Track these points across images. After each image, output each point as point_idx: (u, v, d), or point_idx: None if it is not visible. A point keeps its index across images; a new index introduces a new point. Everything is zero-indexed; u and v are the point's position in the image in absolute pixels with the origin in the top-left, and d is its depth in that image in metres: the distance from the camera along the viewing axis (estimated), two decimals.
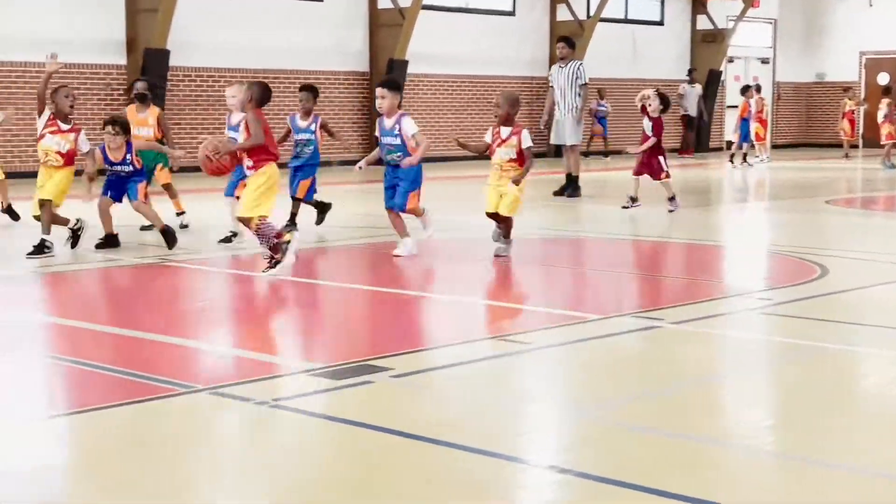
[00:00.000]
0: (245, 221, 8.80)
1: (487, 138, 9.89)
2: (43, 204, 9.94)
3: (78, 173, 10.32)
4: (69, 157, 10.14)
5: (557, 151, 20.65)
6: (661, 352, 6.49)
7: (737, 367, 6.20)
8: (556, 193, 16.25)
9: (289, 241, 8.67)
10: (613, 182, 19.52)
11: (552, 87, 16.51)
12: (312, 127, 11.44)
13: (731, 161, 24.20)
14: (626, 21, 28.40)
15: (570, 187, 16.24)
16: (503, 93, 10.13)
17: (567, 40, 16.66)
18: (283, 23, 21.87)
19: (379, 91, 9.76)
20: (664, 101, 13.77)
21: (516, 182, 9.69)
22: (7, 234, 11.49)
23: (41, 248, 9.71)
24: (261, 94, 8.81)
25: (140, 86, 11.93)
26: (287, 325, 7.46)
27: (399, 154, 9.68)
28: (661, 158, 13.68)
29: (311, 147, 11.44)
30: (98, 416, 5.04)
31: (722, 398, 5.65)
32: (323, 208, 11.73)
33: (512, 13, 26.07)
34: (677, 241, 11.61)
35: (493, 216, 9.83)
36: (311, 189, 11.48)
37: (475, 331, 7.36)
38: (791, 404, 5.40)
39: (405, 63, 23.26)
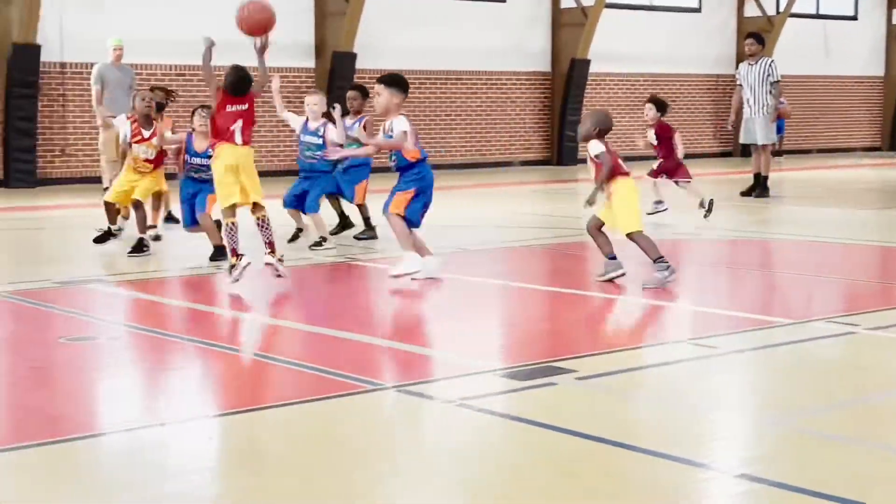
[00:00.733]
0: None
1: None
2: (137, 205, 10.32)
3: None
4: (158, 161, 10.59)
5: (745, 151, 20.16)
6: (858, 358, 6.23)
7: None
8: (744, 194, 15.86)
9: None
10: (794, 181, 18.93)
11: (740, 85, 16.11)
12: (356, 126, 10.91)
13: None
14: (818, 16, 27.48)
15: (759, 187, 15.81)
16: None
17: (756, 37, 16.23)
18: (466, 24, 22.02)
19: (375, 87, 8.90)
20: (660, 107, 12.98)
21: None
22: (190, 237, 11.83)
23: (140, 247, 10.04)
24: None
25: (159, 94, 11.71)
26: (472, 324, 7.47)
27: (394, 157, 8.70)
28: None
29: (355, 147, 11.14)
30: (287, 411, 5.15)
31: None
32: (344, 224, 11.27)
33: (698, 10, 25.57)
34: (871, 244, 11.13)
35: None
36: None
37: (661, 334, 7.23)
38: None
39: (587, 62, 23.10)
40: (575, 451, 4.51)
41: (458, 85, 22.21)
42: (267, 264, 8.54)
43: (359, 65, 20.44)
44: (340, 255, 9.97)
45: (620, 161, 8.53)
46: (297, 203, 10.71)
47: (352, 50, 20.17)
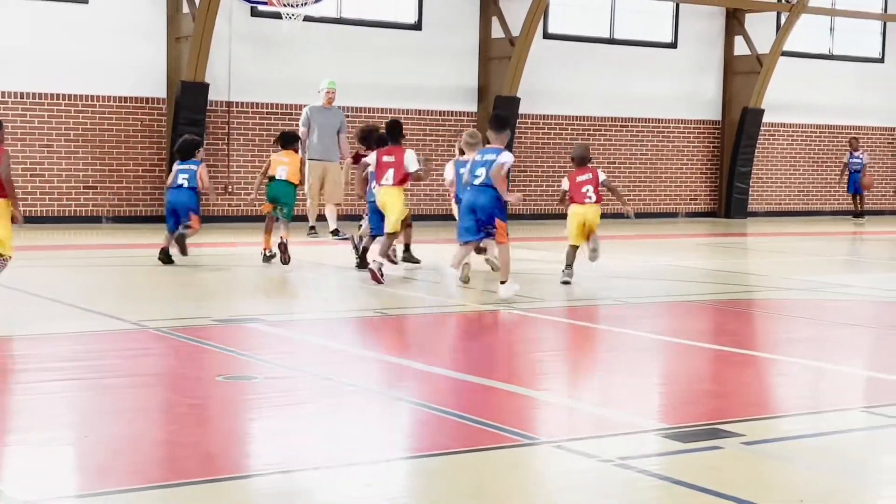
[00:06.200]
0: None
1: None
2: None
3: None
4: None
5: None
6: None
7: None
8: None
9: None
10: None
11: None
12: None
13: None
14: None
15: None
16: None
17: None
18: (632, 69, 21.73)
19: None
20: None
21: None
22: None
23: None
24: None
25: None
26: (632, 380, 7.22)
27: None
28: None
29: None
30: (442, 461, 5.02)
31: None
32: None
33: (881, 60, 24.72)
34: None
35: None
36: None
37: (835, 400, 6.83)
38: None
39: (760, 112, 22.53)
40: None
41: (623, 132, 21.95)
42: None
43: (522, 109, 20.39)
44: (495, 303, 9.82)
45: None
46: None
47: (515, 94, 20.13)
